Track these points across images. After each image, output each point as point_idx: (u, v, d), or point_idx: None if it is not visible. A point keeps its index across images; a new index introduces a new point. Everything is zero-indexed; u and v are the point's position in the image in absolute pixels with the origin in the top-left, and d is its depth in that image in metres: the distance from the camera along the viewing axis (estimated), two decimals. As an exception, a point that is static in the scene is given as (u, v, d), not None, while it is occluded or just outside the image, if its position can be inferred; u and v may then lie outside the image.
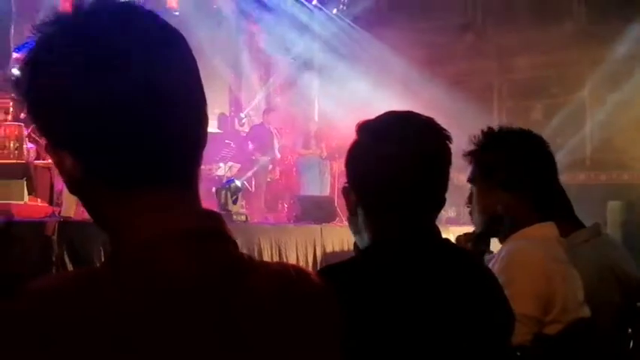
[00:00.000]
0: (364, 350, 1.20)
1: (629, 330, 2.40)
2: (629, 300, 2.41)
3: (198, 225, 0.87)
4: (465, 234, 2.33)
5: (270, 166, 11.02)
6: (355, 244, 1.57)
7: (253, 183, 10.40)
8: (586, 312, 2.02)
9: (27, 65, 0.85)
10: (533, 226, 2.07)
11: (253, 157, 10.35)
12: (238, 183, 7.92)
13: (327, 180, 10.84)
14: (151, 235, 0.83)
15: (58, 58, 0.83)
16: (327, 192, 10.52)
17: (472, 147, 2.15)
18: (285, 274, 0.94)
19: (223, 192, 7.53)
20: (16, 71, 7.24)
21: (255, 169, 10.30)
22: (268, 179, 10.77)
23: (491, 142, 2.13)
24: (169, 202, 0.86)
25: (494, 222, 2.13)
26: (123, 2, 0.88)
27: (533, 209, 2.08)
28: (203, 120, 0.91)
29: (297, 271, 0.96)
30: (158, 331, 0.78)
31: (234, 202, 7.54)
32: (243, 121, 11.89)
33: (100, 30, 0.83)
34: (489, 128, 2.15)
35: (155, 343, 0.77)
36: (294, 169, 11.23)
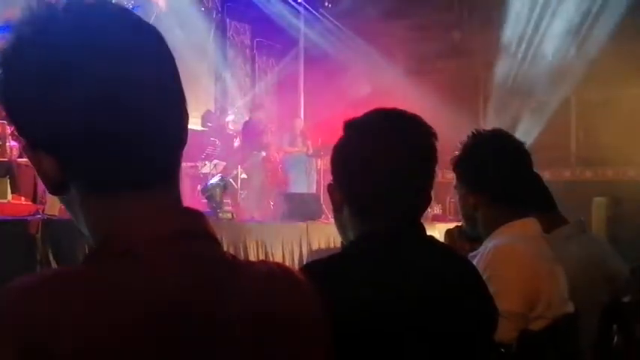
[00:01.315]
0: (348, 345, 1.20)
1: (614, 326, 2.42)
2: (614, 296, 2.43)
3: (181, 225, 0.86)
4: (457, 226, 2.36)
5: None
6: (342, 242, 1.57)
7: (239, 181, 10.38)
8: (570, 308, 2.03)
9: (3, 65, 0.84)
10: (515, 222, 2.08)
11: (255, 153, 10.34)
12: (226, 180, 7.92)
13: (313, 177, 10.85)
14: (135, 236, 0.82)
15: (30, 61, 0.82)
16: (313, 189, 10.53)
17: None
18: (269, 273, 0.93)
19: (217, 190, 7.51)
20: None
21: (246, 165, 10.29)
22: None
23: (464, 146, 2.17)
24: (151, 203, 0.85)
25: (471, 224, 2.17)
26: (97, 1, 0.87)
27: (501, 208, 2.09)
28: (182, 118, 0.90)
29: (281, 269, 0.96)
30: (144, 331, 0.77)
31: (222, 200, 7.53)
32: (230, 118, 11.85)
33: (74, 32, 0.82)
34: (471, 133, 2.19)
35: (139, 345, 0.76)
36: (280, 166, 11.23)
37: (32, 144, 0.85)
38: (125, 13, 0.87)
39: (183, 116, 0.90)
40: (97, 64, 0.80)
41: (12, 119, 0.86)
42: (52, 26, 0.83)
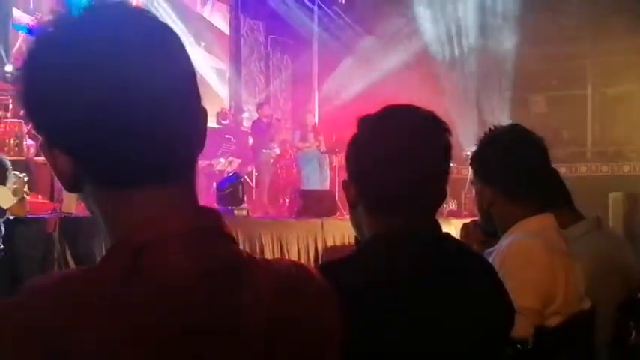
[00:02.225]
0: (364, 345, 1.20)
1: (631, 322, 2.41)
2: (630, 292, 2.41)
3: (197, 223, 0.87)
4: (473, 221, 2.36)
5: (271, 161, 11.03)
6: (356, 237, 1.57)
7: (254, 178, 10.41)
8: (587, 304, 2.03)
9: (23, 66, 0.86)
10: (532, 218, 2.07)
11: (264, 151, 10.36)
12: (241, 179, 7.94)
13: (326, 174, 10.84)
14: (150, 234, 0.83)
15: (48, 62, 0.83)
16: (327, 186, 10.53)
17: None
18: (285, 271, 0.93)
19: (239, 187, 7.52)
20: (9, 67, 7.24)
21: (256, 163, 10.31)
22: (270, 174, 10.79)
23: (481, 142, 2.16)
24: (167, 200, 0.86)
25: (487, 219, 2.17)
26: (118, 3, 0.88)
27: (517, 203, 2.09)
28: (199, 117, 0.91)
29: (297, 268, 0.96)
30: (159, 330, 0.78)
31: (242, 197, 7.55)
32: (245, 115, 11.90)
33: (92, 34, 0.83)
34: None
35: (155, 343, 0.77)
36: (294, 163, 11.24)
37: (48, 142, 0.86)
38: (143, 15, 0.88)
39: (200, 115, 0.91)
40: (112, 65, 0.81)
41: (29, 117, 0.87)
42: (71, 29, 0.85)
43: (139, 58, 0.83)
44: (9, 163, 5.63)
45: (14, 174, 5.64)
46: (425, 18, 12.65)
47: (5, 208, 5.21)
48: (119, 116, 0.81)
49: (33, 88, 0.85)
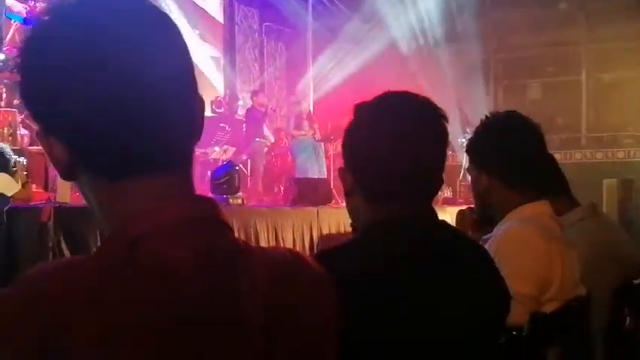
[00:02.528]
0: (361, 333, 1.20)
1: (626, 308, 2.42)
2: (626, 278, 2.42)
3: (193, 213, 0.87)
4: (469, 207, 2.36)
5: (266, 149, 11.02)
6: (352, 225, 1.57)
7: (249, 166, 10.40)
8: (582, 290, 2.03)
9: (20, 54, 0.86)
10: (527, 205, 2.08)
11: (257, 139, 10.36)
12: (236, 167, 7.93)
13: (322, 161, 10.83)
14: (146, 225, 0.83)
15: (48, 50, 0.83)
16: (324, 174, 10.52)
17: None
18: (281, 259, 0.93)
19: (235, 175, 7.51)
20: (1, 56, 7.21)
21: (249, 151, 10.31)
22: (264, 162, 10.79)
23: (477, 128, 2.16)
24: (163, 190, 0.86)
25: (482, 206, 2.17)
26: None
27: (513, 190, 2.09)
28: (196, 106, 0.90)
29: (293, 256, 0.96)
30: (156, 322, 0.77)
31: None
32: (239, 103, 11.88)
33: (91, 21, 0.83)
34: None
35: (153, 334, 0.77)
36: (289, 151, 11.24)
37: (44, 130, 0.86)
38: (142, 3, 0.87)
39: (196, 105, 0.90)
40: (109, 55, 0.81)
41: (26, 105, 0.87)
42: (68, 17, 0.84)
43: (136, 48, 0.82)
44: (11, 152, 5.62)
45: (14, 158, 5.63)
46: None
47: (9, 195, 5.19)
48: (115, 106, 0.81)
49: (29, 76, 0.85)
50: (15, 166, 5.57)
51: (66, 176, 0.88)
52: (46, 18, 0.85)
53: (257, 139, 10.48)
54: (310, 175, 10.11)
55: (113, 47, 0.81)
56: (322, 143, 10.94)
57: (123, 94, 0.81)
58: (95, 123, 0.81)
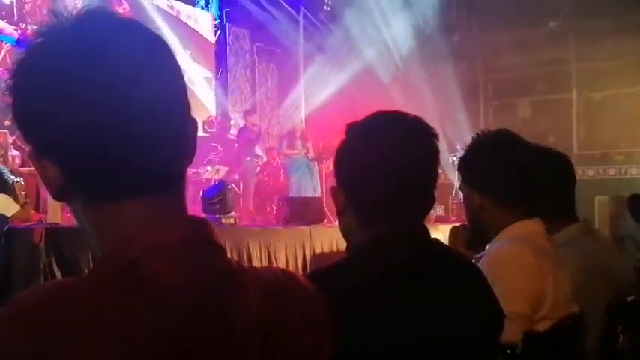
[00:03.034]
0: (354, 352, 1.20)
1: (619, 326, 2.41)
2: (619, 296, 2.42)
3: (185, 235, 0.86)
4: (462, 225, 2.37)
5: (258, 169, 11.02)
6: (347, 244, 1.57)
7: (241, 186, 10.40)
8: (575, 308, 2.03)
9: (13, 75, 0.86)
10: (519, 223, 2.08)
11: (247, 159, 10.37)
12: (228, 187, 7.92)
13: (316, 181, 10.83)
14: (139, 248, 0.82)
15: (40, 73, 0.83)
16: (318, 192, 10.52)
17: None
18: (274, 279, 0.93)
19: (228, 195, 7.50)
20: None
21: (240, 171, 10.31)
22: (256, 181, 10.79)
23: (469, 146, 2.17)
24: (156, 211, 0.86)
25: (475, 225, 2.18)
26: (109, 13, 0.88)
27: (505, 209, 2.09)
28: (188, 128, 0.90)
29: (286, 275, 0.96)
30: (148, 345, 0.77)
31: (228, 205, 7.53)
32: (231, 123, 11.91)
33: (84, 44, 0.83)
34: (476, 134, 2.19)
35: (148, 355, 0.76)
36: (282, 170, 11.24)
37: (37, 152, 0.86)
38: (135, 26, 0.87)
39: (189, 127, 0.90)
40: (102, 79, 0.81)
41: (18, 127, 0.87)
42: (61, 40, 0.84)
43: (128, 71, 0.82)
44: (9, 173, 5.61)
45: (12, 179, 5.62)
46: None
47: (9, 215, 5.17)
48: (107, 130, 0.81)
49: (21, 99, 0.85)
50: (14, 187, 5.56)
51: (58, 197, 0.88)
52: (39, 40, 0.85)
53: (248, 159, 10.48)
54: (304, 194, 10.10)
55: (105, 71, 0.81)
56: (316, 162, 10.94)
57: (114, 118, 0.81)
58: (86, 146, 0.82)
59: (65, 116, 0.81)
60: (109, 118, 0.81)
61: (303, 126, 11.40)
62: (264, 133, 11.27)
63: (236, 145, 10.89)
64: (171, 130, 0.87)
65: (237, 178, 10.34)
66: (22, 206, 5.57)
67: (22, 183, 5.99)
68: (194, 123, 0.92)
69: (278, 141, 11.71)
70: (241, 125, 11.12)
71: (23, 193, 5.91)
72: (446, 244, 1.60)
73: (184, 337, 0.80)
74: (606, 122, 11.90)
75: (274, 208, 10.08)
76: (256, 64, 13.92)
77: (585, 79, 12.38)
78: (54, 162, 0.85)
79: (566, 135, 12.73)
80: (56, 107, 0.81)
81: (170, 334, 0.79)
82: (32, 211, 6.04)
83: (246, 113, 11.20)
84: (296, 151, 10.80)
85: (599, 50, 11.56)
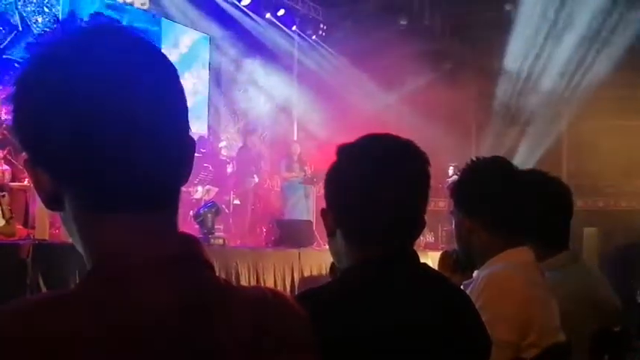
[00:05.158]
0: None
1: (605, 356, 2.41)
2: (606, 325, 2.42)
3: (176, 251, 0.86)
4: (454, 249, 2.37)
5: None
6: (331, 266, 1.56)
7: (232, 207, 10.36)
8: (562, 337, 2.03)
9: (16, 83, 0.86)
10: (509, 251, 2.08)
11: (248, 179, 10.36)
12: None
13: (311, 203, 10.80)
14: (126, 262, 0.82)
15: (34, 85, 0.84)
16: (312, 215, 10.48)
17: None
18: (263, 299, 0.93)
19: (209, 215, 7.49)
20: None
21: (239, 191, 10.29)
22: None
23: (462, 172, 2.18)
24: (148, 227, 0.86)
25: (465, 250, 2.18)
26: (116, 27, 0.89)
27: (496, 235, 2.09)
28: (186, 147, 0.91)
29: (275, 295, 0.96)
30: (138, 355, 0.77)
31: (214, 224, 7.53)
32: (222, 144, 11.89)
33: (88, 58, 0.83)
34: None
35: None
36: (273, 192, 11.22)
37: (31, 160, 0.87)
38: (139, 41, 0.88)
39: (187, 146, 0.91)
40: (101, 92, 0.81)
41: (16, 135, 0.88)
42: (64, 51, 0.85)
43: (128, 86, 0.83)
44: None
45: None
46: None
47: None
48: (103, 143, 0.82)
49: (21, 106, 0.86)
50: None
51: (51, 206, 0.88)
52: (43, 50, 0.86)
53: (248, 179, 10.47)
54: (302, 217, 10.07)
55: (104, 86, 0.82)
56: (311, 185, 10.93)
57: (110, 133, 0.82)
58: (80, 159, 0.82)
59: (60, 129, 0.81)
60: (104, 134, 0.81)
61: (300, 148, 11.37)
62: (262, 154, 11.25)
63: (232, 165, 10.87)
64: (170, 149, 0.87)
65: (227, 198, 10.30)
66: (6, 221, 5.53)
67: (7, 197, 5.96)
68: (192, 143, 0.92)
69: (275, 163, 11.69)
70: (241, 144, 11.12)
71: (8, 207, 5.88)
72: (435, 270, 1.60)
73: (169, 353, 0.79)
74: (596, 154, 11.96)
75: (264, 230, 10.06)
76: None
77: (575, 111, 12.47)
78: (47, 171, 0.85)
79: (556, 165, 12.78)
80: (51, 119, 0.82)
81: (155, 349, 0.78)
82: (18, 226, 6.00)
83: (248, 133, 11.20)
84: (294, 174, 10.79)
85: (592, 83, 11.67)
